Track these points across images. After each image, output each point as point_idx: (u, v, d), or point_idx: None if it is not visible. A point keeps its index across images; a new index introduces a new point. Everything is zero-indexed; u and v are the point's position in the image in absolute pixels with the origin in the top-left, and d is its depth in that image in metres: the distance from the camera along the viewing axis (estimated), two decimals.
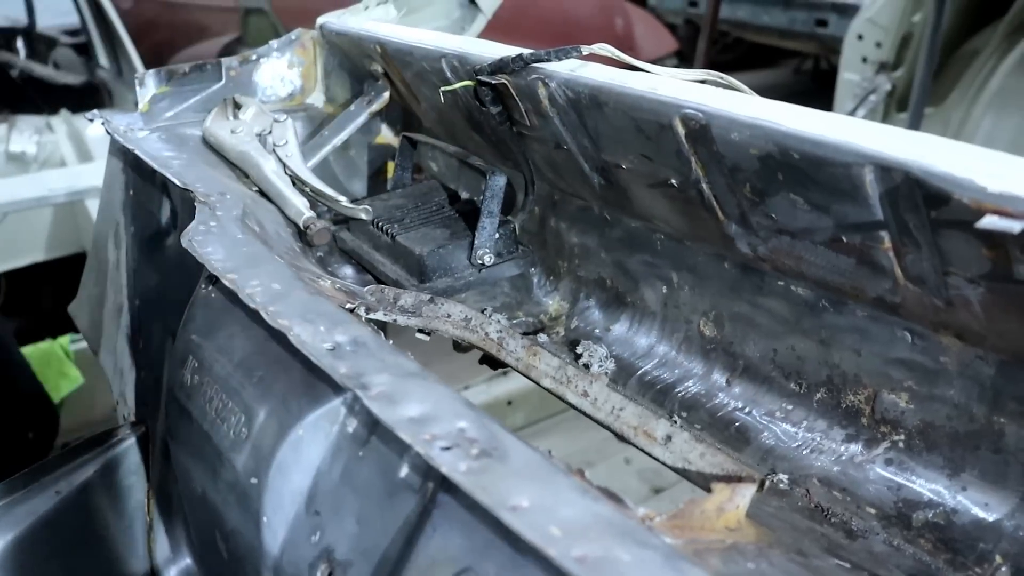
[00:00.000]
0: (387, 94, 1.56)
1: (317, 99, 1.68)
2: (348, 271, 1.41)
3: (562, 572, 0.56)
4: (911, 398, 0.93)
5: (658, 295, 1.21)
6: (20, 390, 2.64)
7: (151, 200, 1.49)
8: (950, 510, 0.88)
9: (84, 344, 2.85)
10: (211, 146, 1.45)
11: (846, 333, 0.97)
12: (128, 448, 1.39)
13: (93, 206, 2.94)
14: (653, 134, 0.97)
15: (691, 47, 5.70)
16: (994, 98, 3.58)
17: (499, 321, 1.24)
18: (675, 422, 1.07)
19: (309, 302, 0.93)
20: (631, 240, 1.23)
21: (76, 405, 2.98)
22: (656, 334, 1.22)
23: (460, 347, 1.28)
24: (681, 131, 0.93)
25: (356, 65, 1.62)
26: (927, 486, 0.91)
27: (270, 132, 1.42)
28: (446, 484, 0.74)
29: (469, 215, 1.37)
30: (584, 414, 1.13)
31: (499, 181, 1.27)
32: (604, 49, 1.06)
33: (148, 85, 1.52)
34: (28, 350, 2.92)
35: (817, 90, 6.12)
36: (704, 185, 0.97)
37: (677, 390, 1.14)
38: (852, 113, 3.70)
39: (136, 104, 1.53)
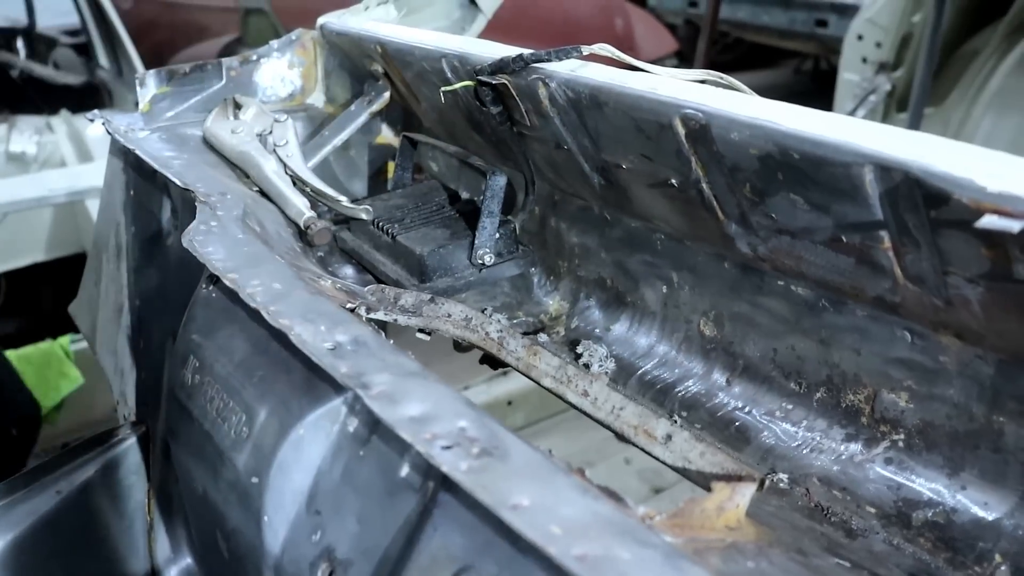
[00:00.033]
0: (387, 94, 1.56)
1: (317, 99, 1.68)
2: (348, 271, 1.41)
3: (563, 570, 0.56)
4: (911, 397, 0.93)
5: (658, 295, 1.21)
6: (1, 386, 2.63)
7: (152, 200, 1.49)
8: (950, 509, 0.88)
9: (84, 344, 2.85)
10: (212, 146, 1.45)
11: (846, 333, 0.97)
12: (129, 448, 1.39)
13: (93, 206, 2.94)
14: (653, 134, 0.97)
15: (691, 47, 5.70)
16: (994, 98, 3.58)
17: (499, 321, 1.24)
18: (675, 421, 1.07)
19: (310, 302, 0.94)
20: (631, 240, 1.23)
21: (76, 405, 2.98)
22: (656, 334, 1.22)
23: (460, 347, 1.28)
24: (681, 131, 0.93)
25: (356, 65, 1.62)
26: (927, 485, 0.91)
27: (270, 132, 1.42)
28: (447, 483, 0.74)
29: (469, 215, 1.38)
30: (584, 413, 1.13)
31: (499, 181, 1.27)
32: (604, 49, 1.06)
33: (149, 85, 1.52)
34: (28, 350, 2.92)
35: (817, 90, 6.13)
36: (704, 185, 0.97)
37: (677, 390, 1.15)
38: (852, 113, 3.70)
39: (136, 104, 1.53)
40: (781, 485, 0.96)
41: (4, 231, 3.07)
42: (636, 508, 0.64)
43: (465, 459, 0.66)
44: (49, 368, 2.93)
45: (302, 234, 1.32)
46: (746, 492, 0.74)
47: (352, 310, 1.08)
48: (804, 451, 1.00)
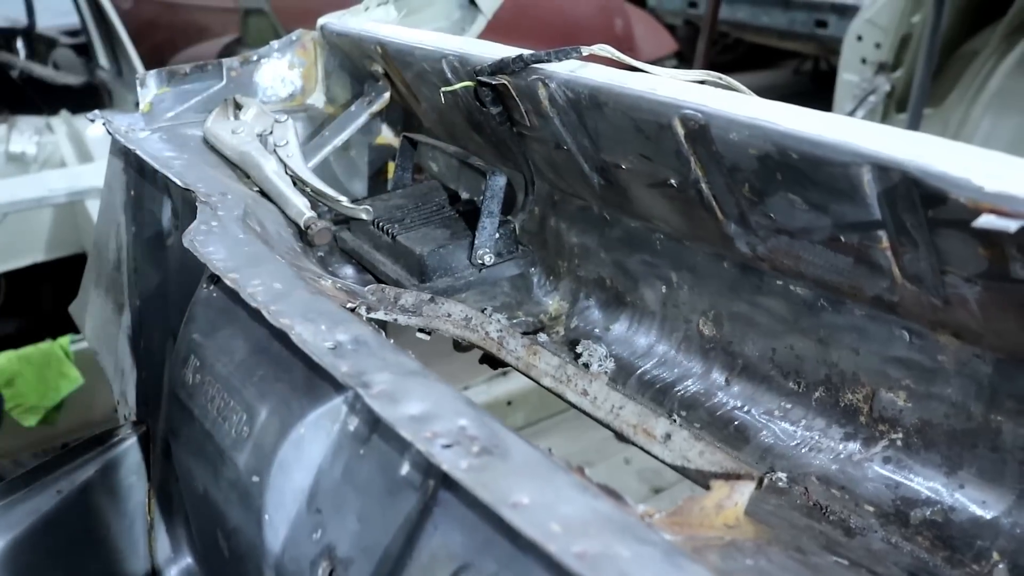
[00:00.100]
0: (387, 95, 1.56)
1: (318, 100, 1.69)
2: (349, 271, 1.41)
3: (562, 568, 0.56)
4: (909, 396, 0.93)
5: (657, 295, 1.22)
6: None
7: (152, 200, 1.49)
8: (948, 508, 0.89)
9: (84, 344, 2.85)
10: (212, 146, 1.45)
11: (844, 332, 0.97)
12: (129, 448, 1.39)
13: (93, 206, 2.94)
14: (652, 134, 0.98)
15: (691, 48, 5.70)
16: (993, 99, 3.58)
17: (499, 320, 1.25)
18: (674, 421, 1.07)
19: (310, 301, 0.94)
20: (631, 240, 1.24)
21: (76, 405, 2.99)
22: (655, 333, 1.22)
23: (460, 347, 1.29)
24: (680, 131, 0.93)
25: (357, 66, 1.62)
26: (925, 484, 0.91)
27: (271, 132, 1.42)
28: (447, 481, 0.75)
29: (469, 215, 1.38)
30: (584, 413, 1.13)
31: (499, 181, 1.27)
32: (604, 50, 1.07)
33: (149, 86, 1.52)
34: (28, 350, 2.92)
35: (816, 91, 6.13)
36: (703, 185, 0.98)
37: (676, 389, 1.15)
38: (851, 114, 3.70)
39: (137, 104, 1.53)
40: (780, 484, 0.97)
41: (4, 231, 3.07)
42: (635, 506, 0.64)
43: (465, 457, 0.66)
44: (49, 368, 2.93)
45: (302, 234, 1.32)
46: (745, 491, 0.74)
47: (352, 310, 1.08)
48: (803, 450, 1.01)
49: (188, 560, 1.22)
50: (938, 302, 0.83)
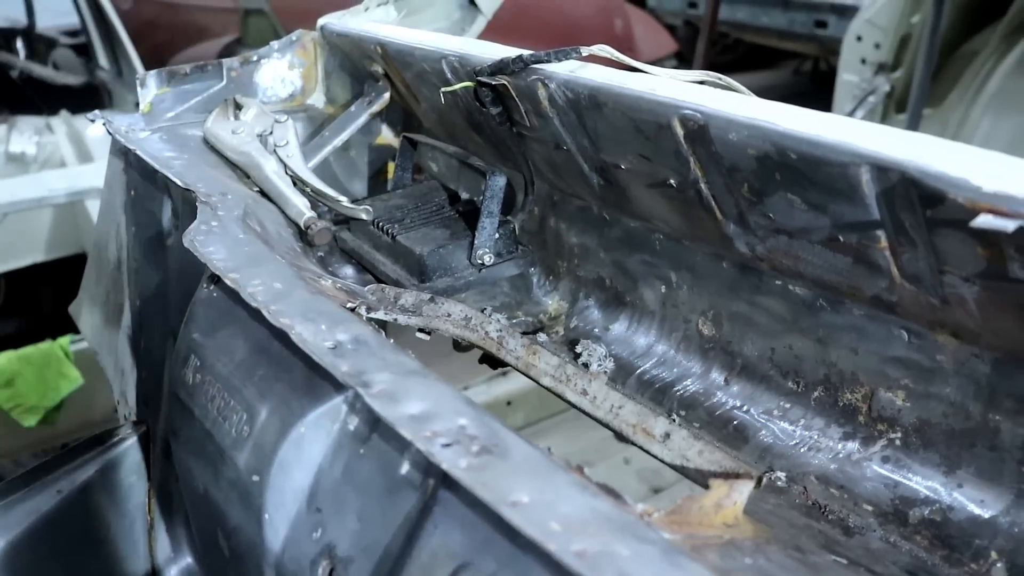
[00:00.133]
0: (387, 95, 1.57)
1: (318, 100, 1.69)
2: (349, 271, 1.42)
3: (562, 567, 0.56)
4: (907, 396, 0.93)
5: (657, 294, 1.22)
6: None
7: (152, 200, 1.49)
8: (946, 507, 0.89)
9: (84, 344, 2.85)
10: (212, 147, 1.46)
11: (843, 332, 0.98)
12: (129, 447, 1.39)
13: (93, 207, 2.94)
14: (652, 134, 0.98)
15: (690, 48, 5.71)
16: (992, 99, 3.59)
17: (499, 320, 1.25)
18: (674, 420, 1.07)
19: (310, 301, 0.94)
20: (630, 240, 1.24)
21: (76, 405, 2.99)
22: (655, 333, 1.23)
23: (460, 346, 1.29)
24: (680, 131, 0.93)
25: (357, 66, 1.63)
26: (923, 483, 0.91)
27: (271, 133, 1.42)
28: (447, 480, 0.75)
29: (469, 215, 1.38)
30: (583, 412, 1.13)
31: (499, 181, 1.28)
32: (603, 50, 1.07)
33: (149, 86, 1.53)
34: (28, 350, 2.92)
35: (816, 91, 6.13)
36: (702, 185, 0.98)
37: (676, 389, 1.15)
38: (851, 114, 3.70)
39: (137, 105, 1.54)
40: (779, 483, 0.97)
41: (4, 231, 3.08)
42: (635, 505, 0.65)
43: (465, 457, 0.67)
44: (49, 368, 2.93)
45: (302, 234, 1.33)
46: (744, 490, 0.74)
47: (352, 309, 1.08)
48: (802, 449, 1.01)
49: (188, 560, 1.22)
50: (936, 302, 0.83)
